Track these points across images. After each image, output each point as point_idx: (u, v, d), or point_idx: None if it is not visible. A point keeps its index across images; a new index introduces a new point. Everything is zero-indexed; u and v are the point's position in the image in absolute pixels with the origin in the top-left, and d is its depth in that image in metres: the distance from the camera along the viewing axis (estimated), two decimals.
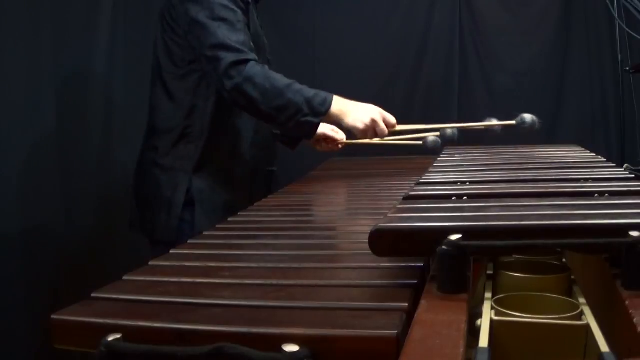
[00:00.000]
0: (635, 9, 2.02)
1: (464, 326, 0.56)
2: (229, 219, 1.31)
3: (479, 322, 0.61)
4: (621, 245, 0.62)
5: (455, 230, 0.68)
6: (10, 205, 1.81)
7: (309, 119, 1.57)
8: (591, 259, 0.79)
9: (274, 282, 0.81)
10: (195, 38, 1.61)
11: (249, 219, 1.30)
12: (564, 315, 0.61)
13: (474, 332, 0.60)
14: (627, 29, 2.42)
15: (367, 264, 0.85)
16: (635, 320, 0.54)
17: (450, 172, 1.31)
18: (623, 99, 2.76)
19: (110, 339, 0.62)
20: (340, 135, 1.99)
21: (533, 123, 1.76)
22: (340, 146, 2.03)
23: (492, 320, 0.61)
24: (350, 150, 2.20)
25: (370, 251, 0.73)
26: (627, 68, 2.52)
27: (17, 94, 1.86)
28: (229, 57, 1.55)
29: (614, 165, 1.29)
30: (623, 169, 1.24)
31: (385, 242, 0.72)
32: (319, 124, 1.61)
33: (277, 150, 1.98)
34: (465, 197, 0.96)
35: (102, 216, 2.24)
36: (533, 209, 0.79)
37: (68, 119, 2.08)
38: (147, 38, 2.48)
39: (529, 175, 1.19)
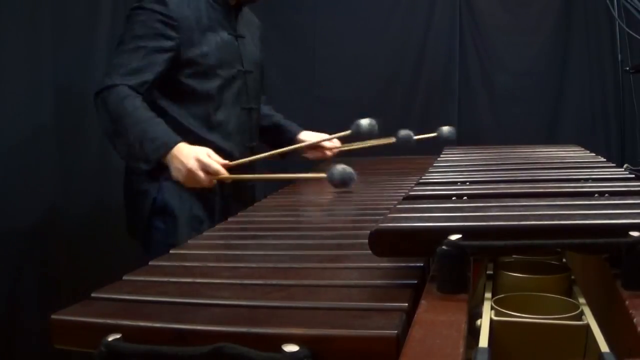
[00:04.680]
0: (635, 9, 2.02)
1: (464, 326, 0.56)
2: (229, 219, 1.31)
3: (479, 322, 0.61)
4: (621, 245, 0.62)
5: (455, 230, 0.68)
6: (9, 205, 1.81)
7: (140, 164, 1.59)
8: (591, 259, 0.79)
9: (274, 282, 0.81)
10: None
11: (249, 219, 1.30)
12: (564, 315, 0.61)
13: (474, 332, 0.60)
14: (627, 29, 2.41)
15: (367, 264, 0.85)
16: (635, 320, 0.54)
17: (450, 172, 1.31)
18: (623, 99, 2.75)
19: (110, 339, 0.62)
20: (331, 144, 2.01)
21: (371, 128, 1.75)
22: (330, 153, 2.03)
23: (492, 320, 0.61)
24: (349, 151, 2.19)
25: (370, 251, 0.73)
26: (627, 68, 2.51)
27: (17, 93, 1.86)
28: (105, 80, 1.62)
29: (614, 165, 1.29)
30: (623, 169, 1.24)
31: (385, 242, 0.72)
32: (148, 169, 1.59)
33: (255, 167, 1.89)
34: (465, 197, 0.96)
35: (102, 216, 2.24)
36: (533, 209, 0.79)
37: (68, 119, 2.07)
38: None
39: (529, 175, 1.19)
